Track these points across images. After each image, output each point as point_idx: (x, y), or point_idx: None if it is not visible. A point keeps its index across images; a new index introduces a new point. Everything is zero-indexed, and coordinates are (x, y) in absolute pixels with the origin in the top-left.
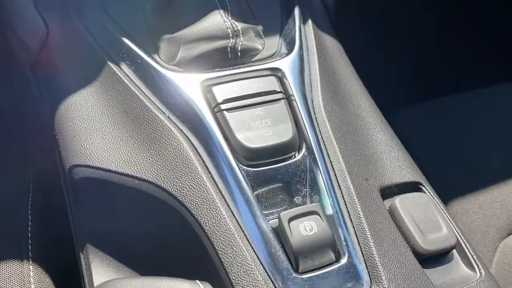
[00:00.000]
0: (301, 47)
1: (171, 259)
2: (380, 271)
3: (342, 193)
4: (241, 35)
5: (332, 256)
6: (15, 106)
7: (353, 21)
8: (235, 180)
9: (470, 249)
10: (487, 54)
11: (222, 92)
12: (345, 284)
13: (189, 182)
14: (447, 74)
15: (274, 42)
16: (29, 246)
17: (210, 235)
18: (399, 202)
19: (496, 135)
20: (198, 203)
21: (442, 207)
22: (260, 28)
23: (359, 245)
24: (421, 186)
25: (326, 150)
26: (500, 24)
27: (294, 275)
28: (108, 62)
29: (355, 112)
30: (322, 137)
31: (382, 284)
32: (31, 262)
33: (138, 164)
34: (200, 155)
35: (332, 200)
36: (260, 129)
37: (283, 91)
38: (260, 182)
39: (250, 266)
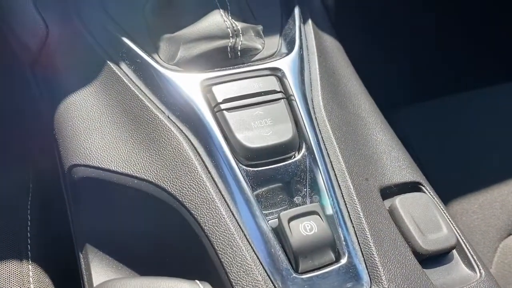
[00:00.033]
0: (301, 47)
1: (171, 259)
2: (380, 271)
3: (342, 193)
4: (241, 34)
5: (332, 256)
6: (15, 106)
7: (353, 21)
8: (235, 180)
9: (470, 249)
10: (487, 54)
11: (222, 92)
12: (345, 284)
13: (188, 182)
14: (447, 74)
15: (274, 42)
16: (29, 245)
17: (210, 235)
18: (399, 202)
19: (496, 135)
20: (198, 203)
21: (442, 207)
22: (260, 27)
23: (359, 245)
24: (421, 186)
25: (326, 150)
26: (500, 24)
27: (294, 275)
28: (108, 62)
29: (355, 112)
30: (322, 137)
31: (382, 284)
32: (30, 262)
33: (138, 163)
34: (199, 155)
35: (332, 200)
36: (260, 129)
37: (283, 91)
38: (260, 182)
39: (249, 266)
